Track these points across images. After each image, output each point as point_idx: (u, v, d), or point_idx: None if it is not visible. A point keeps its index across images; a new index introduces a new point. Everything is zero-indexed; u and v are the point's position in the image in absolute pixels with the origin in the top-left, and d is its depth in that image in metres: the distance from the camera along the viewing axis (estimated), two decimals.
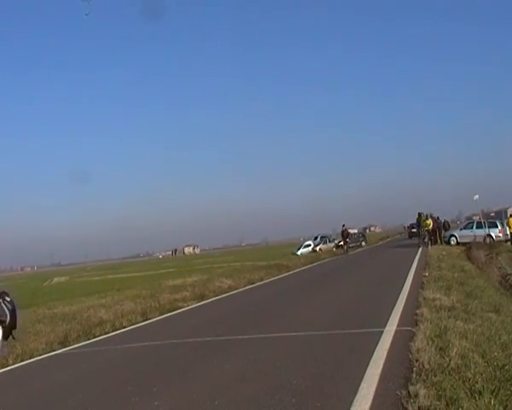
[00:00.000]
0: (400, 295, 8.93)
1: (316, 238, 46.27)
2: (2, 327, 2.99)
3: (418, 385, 3.80)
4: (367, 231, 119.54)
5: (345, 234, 31.96)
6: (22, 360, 7.07)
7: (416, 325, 6.06)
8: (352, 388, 3.94)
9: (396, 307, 7.73)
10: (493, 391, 3.59)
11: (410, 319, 6.59)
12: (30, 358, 7.20)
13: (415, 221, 33.15)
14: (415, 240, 31.97)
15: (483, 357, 4.50)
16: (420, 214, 29.34)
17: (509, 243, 26.72)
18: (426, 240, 27.29)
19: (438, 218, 31.49)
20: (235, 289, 14.30)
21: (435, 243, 28.26)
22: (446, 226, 36.23)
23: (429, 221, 28.21)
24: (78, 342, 7.98)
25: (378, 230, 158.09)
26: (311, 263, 24.53)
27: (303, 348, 5.70)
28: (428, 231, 27.94)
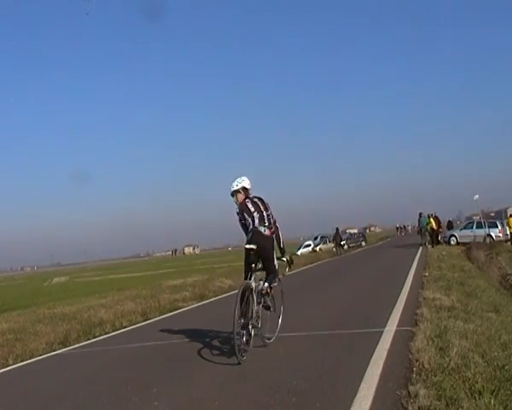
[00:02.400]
0: (400, 295, 8.93)
1: (316, 238, 46.25)
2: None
3: (418, 385, 3.80)
4: (367, 231, 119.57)
5: (338, 236, 33.11)
6: (22, 360, 7.08)
7: (416, 324, 6.06)
8: (352, 388, 3.94)
9: (396, 307, 7.74)
10: (493, 391, 3.59)
11: (410, 318, 6.59)
12: (30, 358, 7.20)
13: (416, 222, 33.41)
14: (416, 240, 31.90)
15: (483, 357, 4.50)
16: (420, 214, 29.34)
17: (509, 243, 26.73)
18: (427, 240, 27.22)
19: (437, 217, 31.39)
20: (236, 289, 14.26)
21: (437, 243, 28.17)
22: (450, 226, 36.28)
23: (432, 221, 28.13)
24: (78, 343, 7.98)
25: (378, 230, 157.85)
26: (311, 263, 24.53)
27: (303, 348, 5.70)
28: (429, 232, 27.85)
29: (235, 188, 5.82)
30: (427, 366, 4.28)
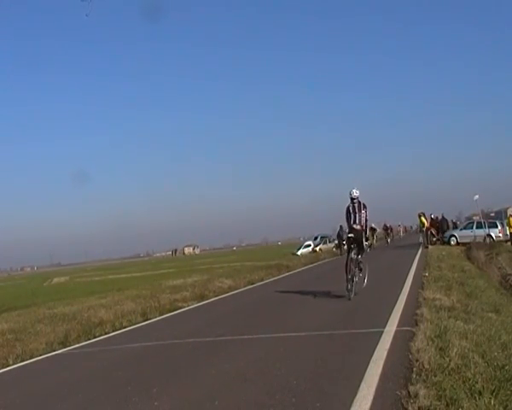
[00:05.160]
0: (400, 296, 8.93)
1: (316, 238, 46.21)
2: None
3: (418, 385, 3.80)
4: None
5: (340, 235, 32.69)
6: (22, 360, 7.08)
7: (416, 325, 6.07)
8: (352, 388, 3.95)
9: (396, 307, 7.74)
10: (493, 391, 3.59)
11: (410, 319, 6.60)
12: (30, 358, 7.20)
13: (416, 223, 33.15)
14: (416, 240, 31.82)
15: (483, 357, 4.50)
16: (422, 214, 29.24)
17: (509, 243, 26.70)
18: (420, 240, 26.88)
19: (436, 217, 31.22)
20: (236, 289, 14.29)
21: (434, 243, 28.03)
22: (455, 227, 36.32)
23: (423, 219, 27.85)
24: (78, 343, 7.98)
25: (378, 230, 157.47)
26: (311, 263, 24.52)
27: (303, 348, 5.70)
28: (422, 231, 27.59)
29: (354, 197, 9.43)
30: (427, 366, 4.28)
